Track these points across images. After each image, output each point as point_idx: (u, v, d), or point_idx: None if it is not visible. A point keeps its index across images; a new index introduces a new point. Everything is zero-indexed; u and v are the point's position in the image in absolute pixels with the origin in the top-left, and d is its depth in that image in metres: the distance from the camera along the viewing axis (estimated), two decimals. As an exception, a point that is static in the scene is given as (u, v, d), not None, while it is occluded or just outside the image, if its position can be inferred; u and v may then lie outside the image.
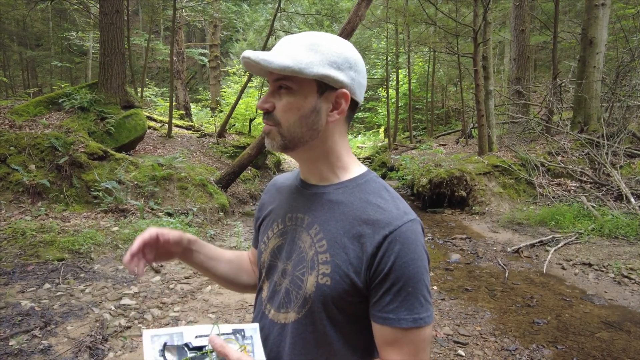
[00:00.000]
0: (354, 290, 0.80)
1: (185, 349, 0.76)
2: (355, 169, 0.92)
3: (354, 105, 0.88)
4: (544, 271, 4.68)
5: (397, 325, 0.76)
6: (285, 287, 0.88)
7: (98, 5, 8.10)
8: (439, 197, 8.11)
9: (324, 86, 0.83)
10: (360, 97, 0.88)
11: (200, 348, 0.77)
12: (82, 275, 4.06)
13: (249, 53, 0.80)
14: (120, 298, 3.70)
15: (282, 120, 0.83)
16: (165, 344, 0.76)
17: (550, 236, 5.60)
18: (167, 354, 0.75)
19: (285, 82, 0.82)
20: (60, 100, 7.12)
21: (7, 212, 5.15)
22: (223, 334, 0.80)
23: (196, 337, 0.78)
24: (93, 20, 13.22)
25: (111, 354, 2.87)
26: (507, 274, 4.66)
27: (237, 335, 0.82)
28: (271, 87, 0.85)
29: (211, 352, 0.76)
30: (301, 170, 0.97)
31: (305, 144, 0.85)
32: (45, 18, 16.12)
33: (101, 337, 3.01)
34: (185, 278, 4.27)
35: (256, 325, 0.85)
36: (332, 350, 0.83)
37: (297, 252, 0.88)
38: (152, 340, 0.76)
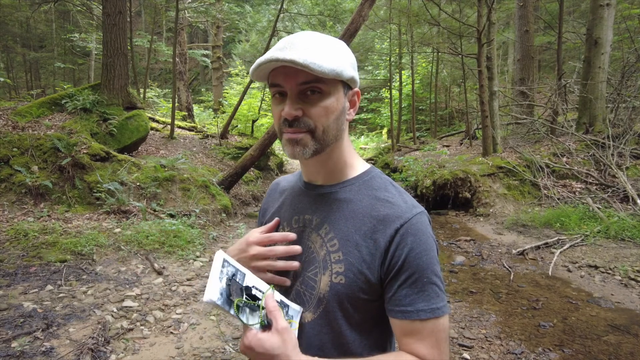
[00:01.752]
0: (369, 287, 0.80)
1: (244, 292, 0.77)
2: (359, 166, 0.93)
3: None
4: (550, 273, 4.64)
5: (415, 318, 0.77)
6: (296, 289, 0.89)
7: (101, 7, 8.10)
8: (442, 199, 8.07)
9: (347, 87, 0.85)
10: None
11: (255, 298, 0.77)
12: (84, 277, 4.05)
13: (292, 56, 0.74)
14: (123, 300, 3.68)
15: (317, 125, 0.81)
16: (233, 276, 0.77)
17: (556, 238, 5.55)
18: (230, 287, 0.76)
19: (318, 84, 0.79)
20: (63, 101, 7.13)
21: (10, 214, 5.15)
22: (276, 300, 0.81)
23: (253, 287, 0.79)
24: (96, 22, 13.26)
25: (113, 357, 2.85)
26: (512, 277, 4.62)
27: (284, 309, 0.83)
28: (295, 91, 0.80)
29: (262, 308, 0.77)
30: (305, 171, 0.96)
31: (332, 145, 0.85)
32: (49, 20, 16.18)
33: (103, 339, 2.99)
34: (188, 280, 4.25)
35: (300, 309, 0.87)
36: (349, 350, 0.84)
37: (307, 253, 0.88)
38: (223, 264, 0.76)
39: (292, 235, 0.88)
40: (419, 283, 0.77)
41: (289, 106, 0.79)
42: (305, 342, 0.85)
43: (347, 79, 0.81)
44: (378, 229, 0.80)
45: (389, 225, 0.80)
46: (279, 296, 0.83)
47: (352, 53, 0.88)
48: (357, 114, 0.93)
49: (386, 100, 17.53)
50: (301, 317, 0.86)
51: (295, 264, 0.86)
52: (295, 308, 0.86)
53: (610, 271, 4.51)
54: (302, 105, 0.80)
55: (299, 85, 0.79)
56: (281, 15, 11.62)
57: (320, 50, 0.78)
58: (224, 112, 12.96)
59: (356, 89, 0.87)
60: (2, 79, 8.31)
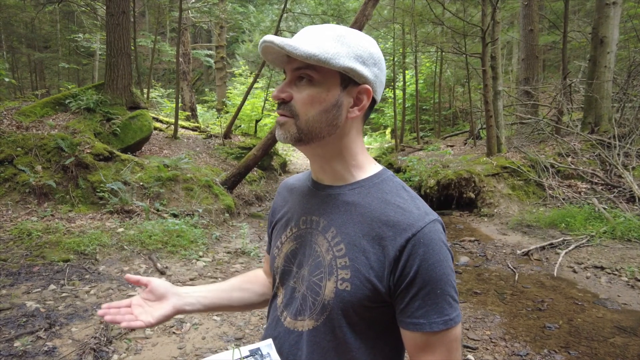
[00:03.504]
0: (375, 295, 0.76)
1: None
2: (370, 167, 0.88)
3: (372, 103, 0.85)
4: (555, 274, 4.59)
5: (428, 330, 0.74)
6: (302, 294, 0.85)
7: (105, 7, 8.12)
8: (447, 199, 8.03)
9: (348, 80, 0.79)
10: (379, 95, 0.85)
11: None
12: (87, 276, 4.04)
13: (272, 37, 0.74)
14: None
15: (300, 113, 0.79)
16: None
17: (561, 239, 5.50)
18: None
19: (308, 71, 0.77)
20: (67, 101, 7.14)
21: (14, 213, 5.16)
22: (244, 358, 0.79)
23: None
24: (100, 22, 13.31)
25: (115, 357, 2.85)
26: (516, 277, 4.58)
27: (256, 356, 0.81)
28: (289, 77, 0.81)
29: None
30: (313, 169, 0.93)
31: (321, 139, 0.81)
32: (53, 20, 16.25)
33: (105, 339, 2.99)
34: (191, 280, 4.24)
35: (270, 341, 0.84)
36: (352, 358, 0.80)
37: (314, 257, 0.84)
38: None
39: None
40: (432, 295, 0.73)
41: (278, 88, 0.81)
42: (307, 350, 0.82)
43: (338, 67, 0.76)
44: (387, 235, 0.76)
45: (399, 234, 0.75)
46: (245, 349, 0.81)
47: (373, 48, 0.81)
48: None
49: (390, 100, 17.48)
50: (303, 324, 0.84)
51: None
52: (265, 344, 0.84)
53: (616, 272, 4.46)
54: (293, 91, 0.80)
55: (293, 71, 0.79)
56: (284, 15, 11.61)
57: (310, 36, 0.78)
58: (227, 112, 12.97)
59: (364, 86, 0.80)
60: (7, 80, 8.33)
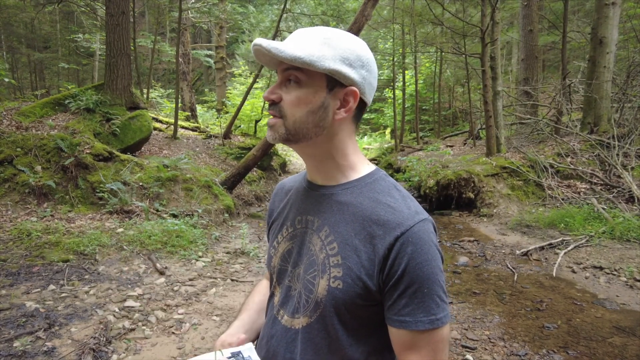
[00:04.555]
0: (367, 293, 0.78)
1: None
2: (363, 168, 0.89)
3: (362, 105, 0.85)
4: (554, 274, 4.60)
5: (414, 328, 0.75)
6: (297, 292, 0.87)
7: (104, 7, 8.12)
8: (446, 199, 8.03)
9: (334, 82, 0.80)
10: (369, 97, 0.86)
11: None
12: (86, 276, 4.05)
13: (260, 41, 0.76)
14: (125, 300, 3.68)
15: (288, 114, 0.81)
16: None
17: (560, 239, 5.50)
18: None
19: (295, 73, 0.79)
20: (67, 101, 7.14)
21: (14, 213, 5.16)
22: None
23: None
24: (100, 22, 13.30)
25: (115, 357, 2.85)
26: (516, 277, 4.58)
27: (238, 357, 0.83)
28: (280, 78, 0.83)
29: None
30: (308, 169, 0.95)
31: (309, 139, 0.83)
32: (53, 20, 16.24)
33: (105, 340, 2.99)
34: (190, 280, 4.24)
35: (250, 345, 0.87)
36: (345, 356, 0.82)
37: (308, 256, 0.86)
38: None
39: None
40: (419, 294, 0.74)
41: (268, 89, 0.83)
42: (301, 347, 0.83)
43: (323, 70, 0.77)
44: (377, 234, 0.77)
45: (389, 232, 0.77)
46: (227, 352, 0.84)
47: (361, 49, 0.82)
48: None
49: (389, 100, 17.48)
50: (298, 321, 0.85)
51: None
52: (246, 347, 0.86)
53: (615, 272, 4.47)
54: (283, 92, 0.82)
55: (283, 72, 0.81)
56: (284, 15, 11.61)
57: (298, 39, 0.80)
58: (227, 113, 12.97)
59: (351, 88, 0.80)
60: (7, 80, 8.34)
